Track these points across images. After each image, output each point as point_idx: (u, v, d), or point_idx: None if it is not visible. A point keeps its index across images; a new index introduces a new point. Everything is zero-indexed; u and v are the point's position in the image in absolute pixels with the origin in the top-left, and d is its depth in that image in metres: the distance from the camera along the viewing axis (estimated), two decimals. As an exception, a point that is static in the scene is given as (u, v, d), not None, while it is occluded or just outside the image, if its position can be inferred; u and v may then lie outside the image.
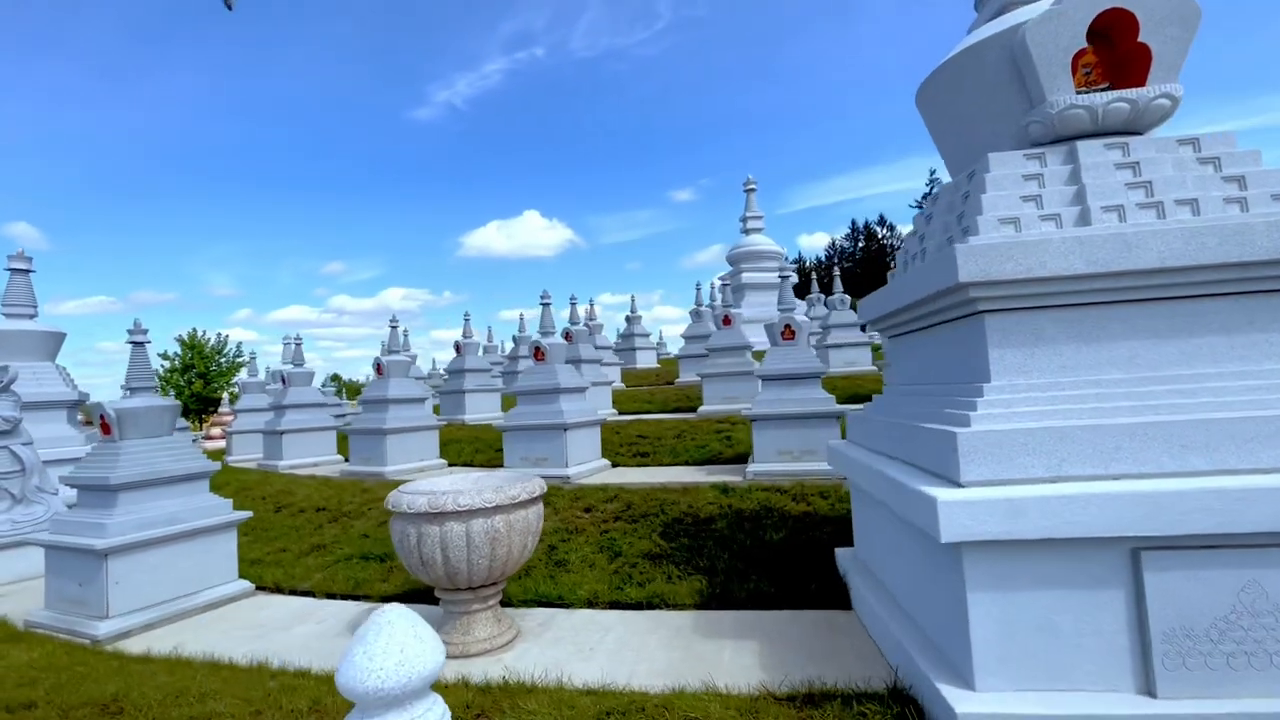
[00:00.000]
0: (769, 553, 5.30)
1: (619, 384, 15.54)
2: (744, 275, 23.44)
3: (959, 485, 2.70)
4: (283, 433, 11.64)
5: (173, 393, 27.91)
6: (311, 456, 11.89)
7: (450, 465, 10.08)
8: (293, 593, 5.78)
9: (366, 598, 5.41)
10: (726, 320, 11.25)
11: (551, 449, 7.89)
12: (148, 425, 5.47)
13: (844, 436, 5.69)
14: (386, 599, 5.35)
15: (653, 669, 3.68)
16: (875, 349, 14.33)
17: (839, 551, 5.02)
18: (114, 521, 4.98)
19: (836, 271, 15.40)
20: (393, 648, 1.59)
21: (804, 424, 6.90)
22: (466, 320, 15.06)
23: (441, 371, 19.74)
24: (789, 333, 7.61)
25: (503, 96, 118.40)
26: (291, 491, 9.07)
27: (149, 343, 5.69)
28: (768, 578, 4.88)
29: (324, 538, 6.90)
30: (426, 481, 4.58)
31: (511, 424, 8.27)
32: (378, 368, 9.92)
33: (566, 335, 8.45)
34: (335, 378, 36.44)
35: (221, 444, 20.59)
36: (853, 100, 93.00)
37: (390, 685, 1.55)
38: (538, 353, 8.69)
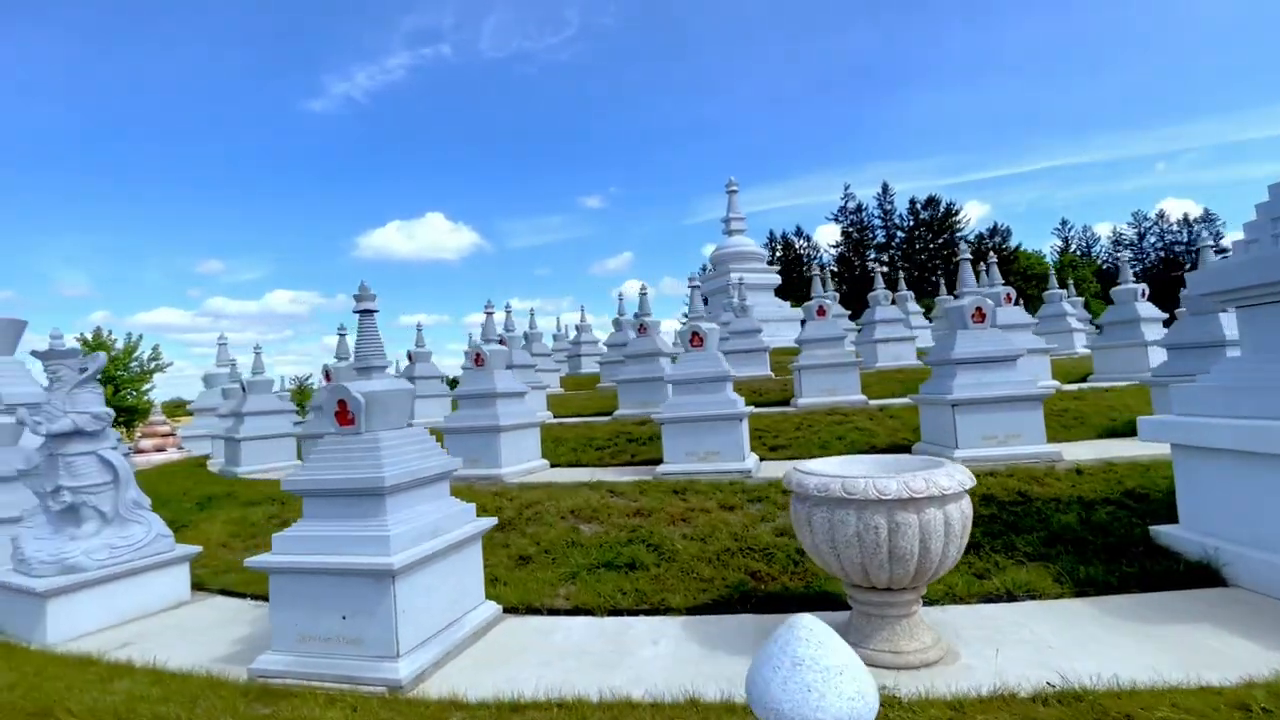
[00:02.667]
0: (1081, 533, 5.10)
1: (556, 389, 16.80)
2: (732, 275, 23.49)
3: None
4: (241, 440, 11.57)
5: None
6: (271, 462, 11.70)
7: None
8: (534, 611, 4.88)
9: (657, 611, 4.64)
10: (642, 329, 11.80)
11: (488, 450, 8.29)
12: (394, 413, 4.40)
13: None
14: (694, 610, 4.61)
15: (1139, 664, 3.32)
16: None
17: (1160, 530, 4.91)
18: (395, 533, 3.92)
19: (879, 270, 15.68)
20: (850, 671, 1.48)
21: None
22: (419, 330, 16.32)
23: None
24: (697, 339, 8.12)
25: (406, 92, 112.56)
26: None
27: (378, 310, 4.60)
28: (1096, 560, 4.68)
29: (514, 550, 5.92)
30: (815, 464, 3.96)
31: (450, 426, 8.58)
32: (477, 358, 8.82)
33: (477, 357, 8.68)
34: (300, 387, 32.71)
35: (160, 456, 17.94)
36: (756, 116, 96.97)
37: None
38: (478, 359, 8.87)
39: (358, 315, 4.55)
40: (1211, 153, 77.68)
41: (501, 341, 10.29)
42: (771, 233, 78.08)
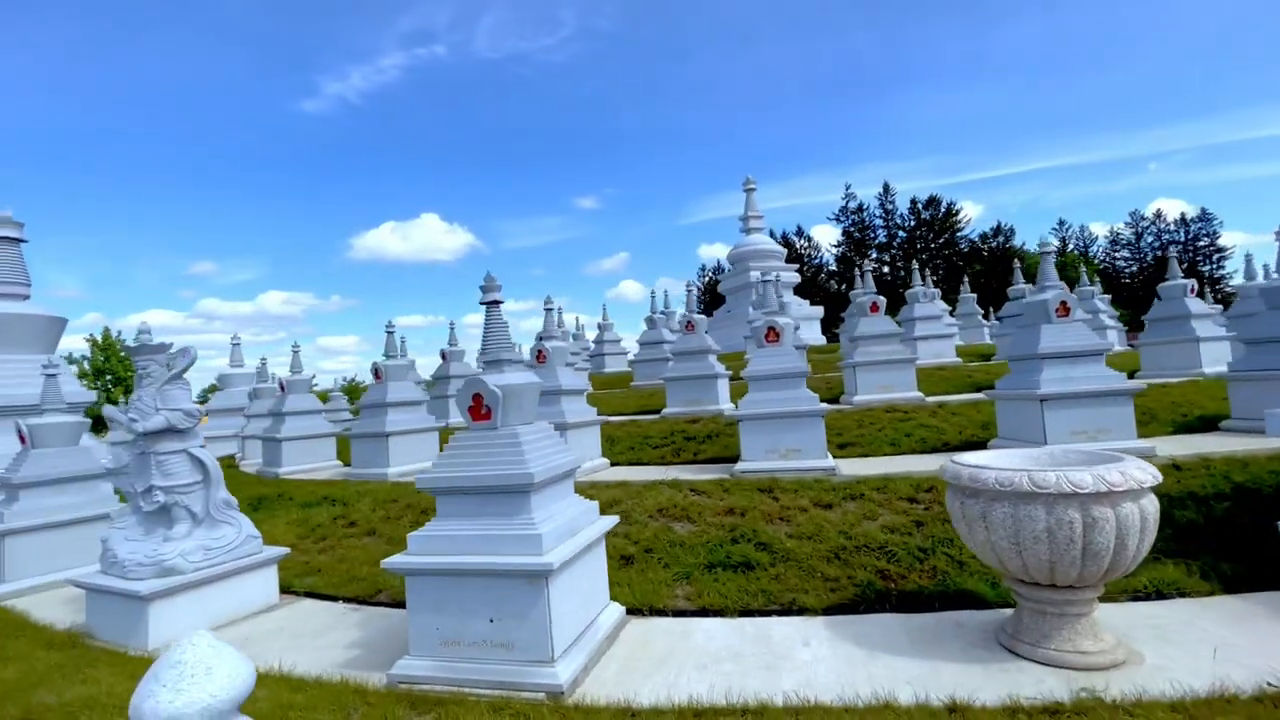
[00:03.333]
0: (1206, 529, 5.01)
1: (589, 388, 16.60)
2: (753, 273, 23.42)
3: None
4: (282, 440, 11.36)
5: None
6: (312, 462, 11.57)
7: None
8: (657, 612, 4.74)
9: (790, 611, 4.52)
10: (689, 326, 11.47)
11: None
12: (527, 408, 4.25)
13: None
14: (830, 611, 4.48)
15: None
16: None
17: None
18: (544, 531, 3.77)
19: (915, 266, 15.63)
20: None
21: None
22: (451, 329, 16.03)
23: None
24: (773, 334, 7.97)
25: (401, 93, 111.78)
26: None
27: (502, 301, 4.44)
28: (1231, 556, 4.59)
29: (612, 549, 5.77)
30: (975, 457, 3.84)
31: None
32: (539, 355, 8.65)
33: (539, 354, 8.58)
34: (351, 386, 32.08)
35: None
36: (754, 118, 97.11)
37: None
38: (540, 355, 8.83)
39: (485, 306, 4.39)
40: (1200, 153, 78.43)
41: (540, 355, 10.09)
42: (771, 232, 77.97)
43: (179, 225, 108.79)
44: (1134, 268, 62.83)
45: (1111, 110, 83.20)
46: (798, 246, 73.57)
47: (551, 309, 9.73)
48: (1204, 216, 62.83)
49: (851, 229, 68.02)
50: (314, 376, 13.91)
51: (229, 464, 14.98)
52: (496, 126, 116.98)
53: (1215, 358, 10.79)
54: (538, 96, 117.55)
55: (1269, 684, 2.98)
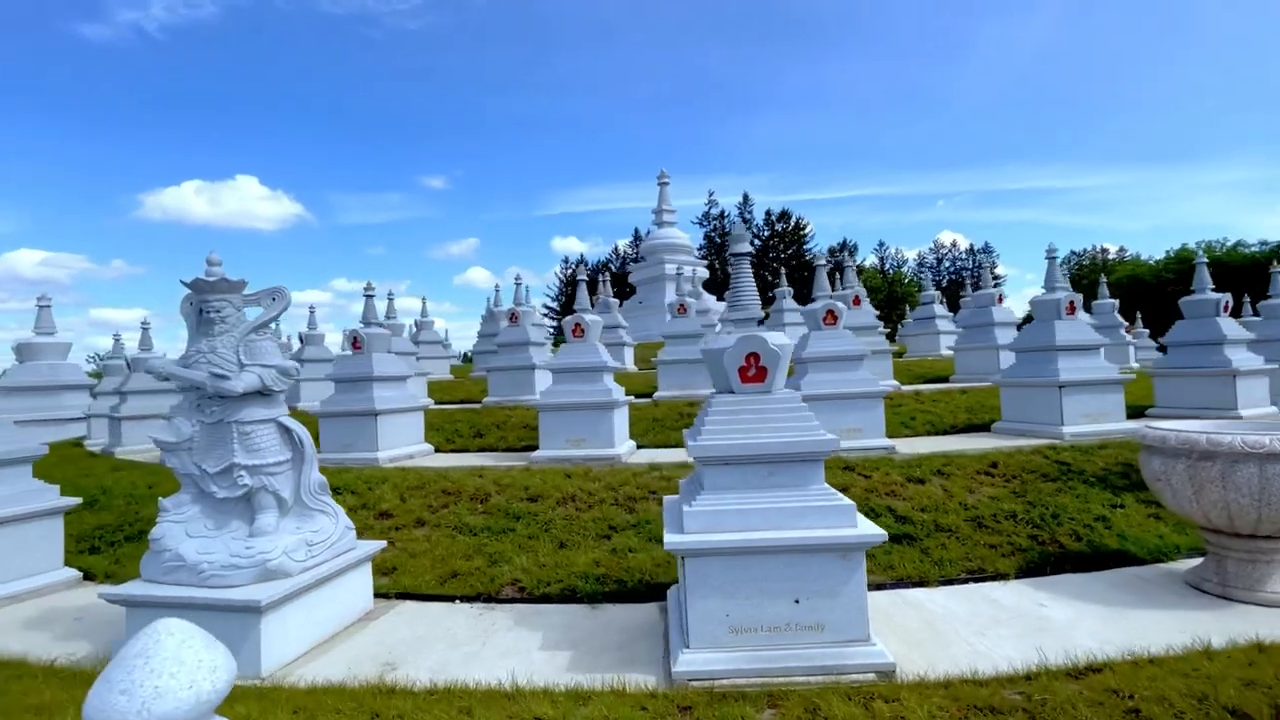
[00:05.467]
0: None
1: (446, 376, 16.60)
2: (666, 267, 23.78)
3: None
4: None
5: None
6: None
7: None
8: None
9: (992, 577, 4.67)
10: (514, 318, 11.72)
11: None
12: (785, 371, 3.89)
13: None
14: (1021, 575, 4.69)
15: None
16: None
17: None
18: (850, 501, 3.48)
19: (783, 270, 16.82)
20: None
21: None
22: (311, 311, 15.19)
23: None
24: (579, 330, 8.07)
25: (218, 35, 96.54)
26: (461, 484, 6.75)
27: (751, 254, 4.01)
28: None
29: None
30: (1175, 424, 4.25)
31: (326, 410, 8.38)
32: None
33: (355, 341, 8.48)
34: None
35: None
36: (606, 117, 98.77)
37: None
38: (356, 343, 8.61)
39: (732, 260, 3.95)
40: (976, 196, 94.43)
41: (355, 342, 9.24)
42: (636, 230, 79.72)
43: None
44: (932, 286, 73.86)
45: (914, 151, 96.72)
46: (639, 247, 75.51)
47: (372, 295, 9.21)
48: (986, 249, 75.09)
49: (714, 234, 71.63)
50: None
51: (75, 445, 12.09)
52: (335, 90, 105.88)
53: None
54: (386, 64, 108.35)
55: None
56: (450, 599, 4.80)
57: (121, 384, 11.61)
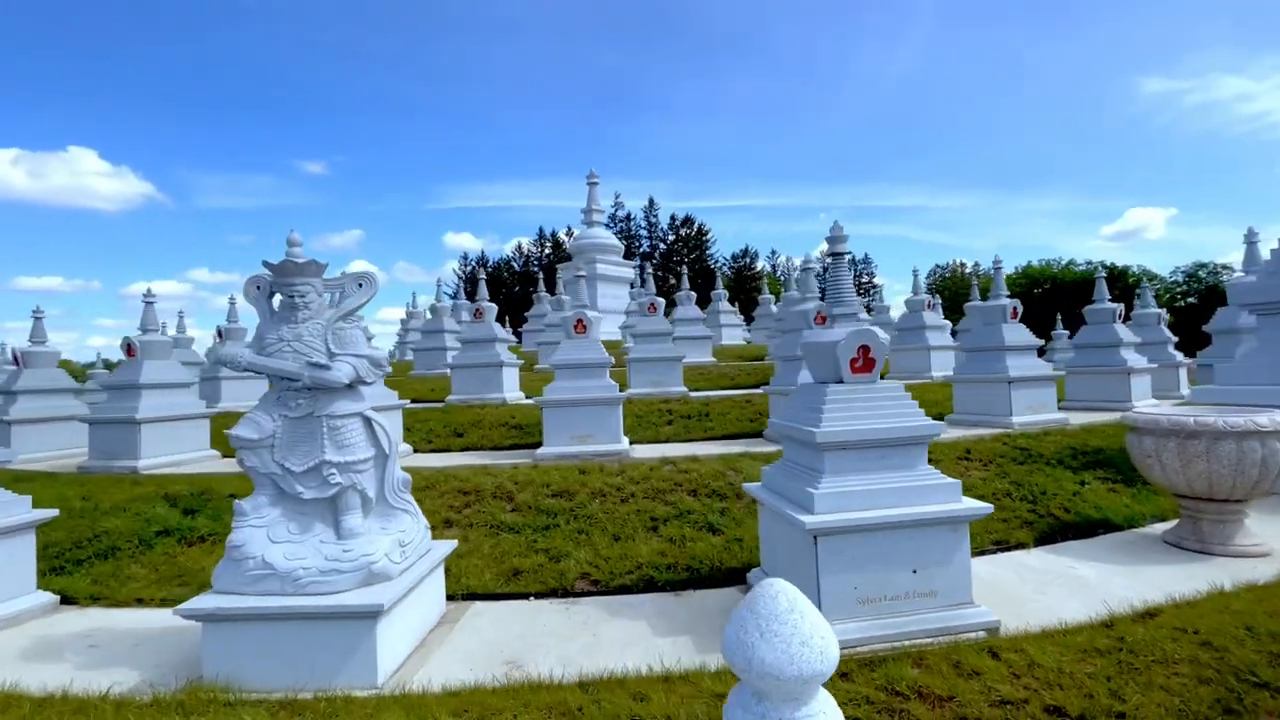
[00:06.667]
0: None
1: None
2: (598, 266, 23.85)
3: None
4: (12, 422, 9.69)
5: None
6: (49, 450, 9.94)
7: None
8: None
9: (1015, 546, 5.27)
10: (478, 314, 11.44)
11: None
12: (878, 363, 4.19)
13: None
14: (1038, 543, 5.34)
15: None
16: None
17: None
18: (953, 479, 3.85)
19: (684, 272, 17.70)
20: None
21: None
22: (231, 303, 14.34)
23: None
24: (580, 326, 7.96)
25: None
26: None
27: (850, 253, 4.27)
28: None
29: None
30: (1160, 408, 5.06)
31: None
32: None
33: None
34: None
35: None
36: (506, 112, 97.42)
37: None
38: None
39: (829, 259, 4.21)
40: (852, 211, 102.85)
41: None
42: (541, 229, 79.04)
43: None
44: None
45: (797, 165, 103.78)
46: (566, 245, 75.44)
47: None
48: (866, 260, 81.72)
49: (619, 236, 72.39)
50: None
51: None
52: (196, 58, 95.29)
53: (942, 364, 13.55)
54: (259, 33, 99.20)
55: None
56: (523, 596, 4.69)
57: (8, 383, 9.94)
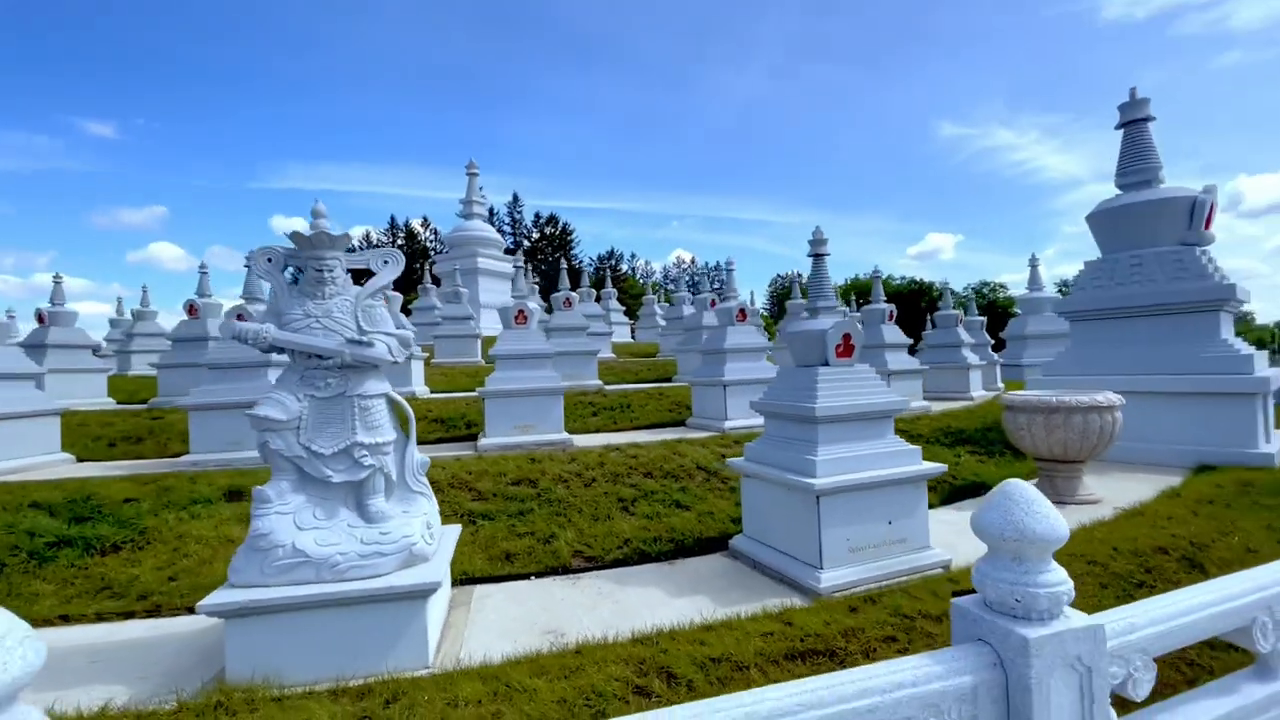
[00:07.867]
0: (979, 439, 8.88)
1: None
2: (479, 260, 23.24)
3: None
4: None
5: None
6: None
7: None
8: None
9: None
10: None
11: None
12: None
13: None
14: (945, 503, 6.39)
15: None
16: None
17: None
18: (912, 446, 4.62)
19: (564, 268, 18.53)
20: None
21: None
22: (57, 283, 11.27)
23: None
24: (521, 317, 8.07)
25: None
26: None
27: (828, 255, 4.87)
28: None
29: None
30: (1024, 394, 6.37)
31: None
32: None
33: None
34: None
35: None
36: (346, 93, 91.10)
37: None
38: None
39: (811, 259, 4.81)
40: (703, 220, 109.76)
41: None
42: (393, 218, 74.76)
43: None
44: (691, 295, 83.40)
45: (655, 173, 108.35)
46: (422, 238, 72.10)
47: None
48: (718, 267, 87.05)
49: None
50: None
51: None
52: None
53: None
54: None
55: (1138, 504, 6.29)
56: (523, 576, 4.77)
57: None
